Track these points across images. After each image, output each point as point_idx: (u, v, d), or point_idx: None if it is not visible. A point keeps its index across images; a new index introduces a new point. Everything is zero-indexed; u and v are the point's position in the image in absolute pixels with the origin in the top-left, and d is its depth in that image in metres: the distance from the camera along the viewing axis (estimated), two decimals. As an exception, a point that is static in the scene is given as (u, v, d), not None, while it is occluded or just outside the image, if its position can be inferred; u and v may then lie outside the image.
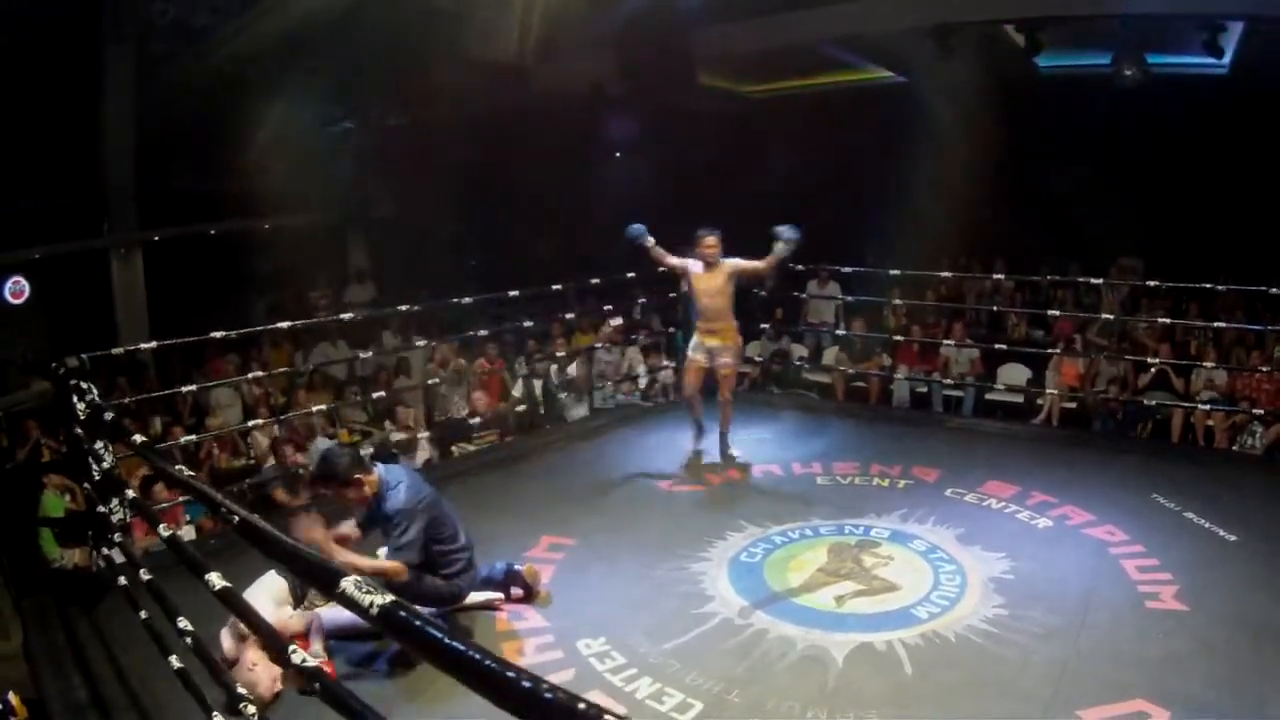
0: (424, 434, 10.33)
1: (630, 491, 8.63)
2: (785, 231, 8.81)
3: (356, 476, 5.58)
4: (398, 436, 10.06)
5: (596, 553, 7.15)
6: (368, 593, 2.51)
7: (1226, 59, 12.55)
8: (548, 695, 1.96)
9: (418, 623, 2.41)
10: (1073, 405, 12.35)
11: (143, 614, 5.52)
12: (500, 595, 6.34)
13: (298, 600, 6.01)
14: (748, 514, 7.99)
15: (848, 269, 12.90)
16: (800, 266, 12.82)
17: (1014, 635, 6.18)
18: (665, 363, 12.33)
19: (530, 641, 5.85)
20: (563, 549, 7.19)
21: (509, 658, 5.53)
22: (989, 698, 5.50)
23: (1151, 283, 12.10)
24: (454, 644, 2.21)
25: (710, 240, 9.13)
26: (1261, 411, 11.00)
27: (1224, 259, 12.44)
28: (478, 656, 2.13)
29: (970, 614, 6.44)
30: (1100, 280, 12.83)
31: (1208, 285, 11.08)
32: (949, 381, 13.01)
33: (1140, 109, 13.47)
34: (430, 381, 10.86)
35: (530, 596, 6.36)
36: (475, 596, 6.16)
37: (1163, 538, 7.72)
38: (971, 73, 13.25)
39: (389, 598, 2.46)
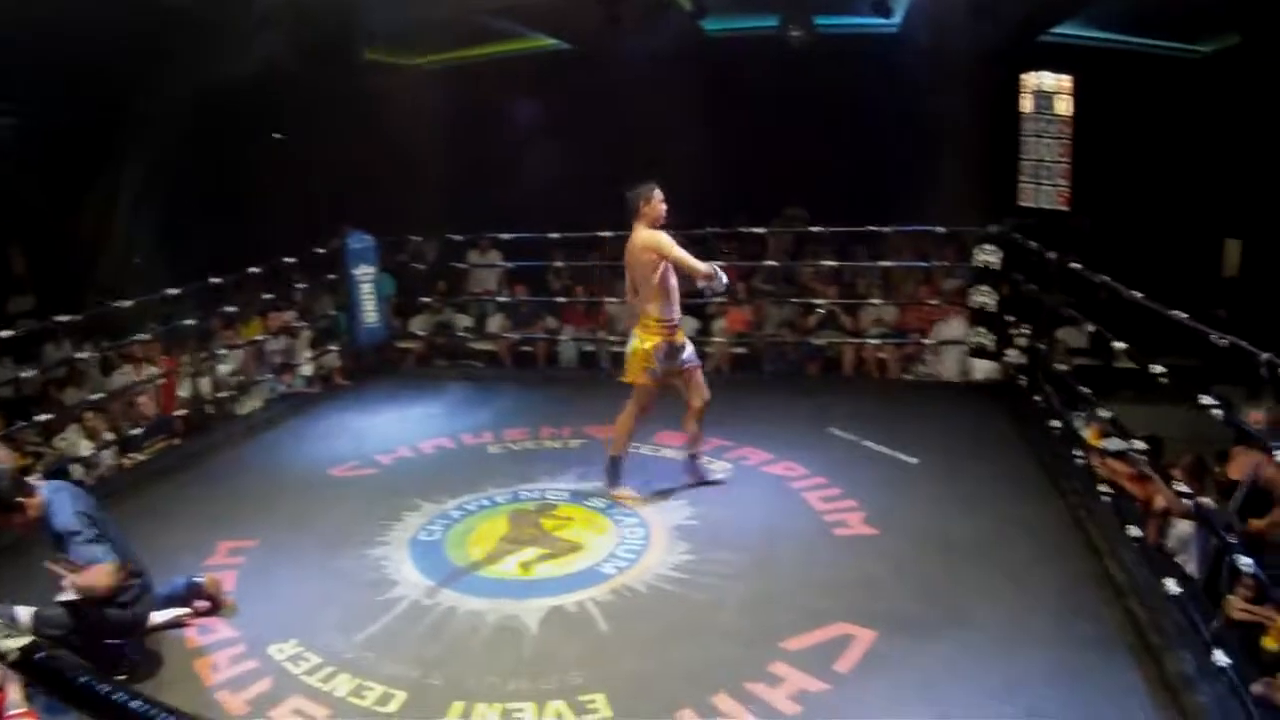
0: (96, 447, 9.70)
1: (304, 483, 8.41)
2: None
3: (18, 500, 5.27)
4: (85, 449, 9.46)
5: (277, 552, 6.95)
6: (4, 637, 2.32)
7: (896, 18, 13.13)
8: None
9: (56, 666, 2.25)
10: (743, 350, 12.74)
11: None
12: (186, 611, 6.06)
13: None
14: (423, 491, 7.96)
15: (508, 235, 12.94)
16: (460, 236, 12.82)
17: (705, 579, 6.39)
18: (331, 347, 12.09)
19: (222, 655, 5.63)
20: (243, 552, 6.92)
21: (202, 675, 5.41)
22: (689, 642, 5.68)
23: (816, 229, 12.65)
24: (91, 684, 2.08)
25: (661, 194, 7.68)
26: (932, 341, 11.68)
27: (889, 205, 13.08)
28: (117, 696, 2.02)
29: (658, 564, 6.62)
30: (765, 230, 13.28)
31: (872, 228, 11.68)
32: (615, 338, 13.20)
33: (807, 66, 13.94)
34: (94, 396, 10.24)
35: (216, 607, 6.11)
36: (160, 617, 5.88)
37: (844, 468, 8.18)
38: (638, 37, 13.42)
39: (24, 640, 2.29)
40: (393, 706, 5.11)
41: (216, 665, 5.51)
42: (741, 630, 5.79)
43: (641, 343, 7.63)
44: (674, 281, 7.58)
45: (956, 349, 11.48)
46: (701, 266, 7.43)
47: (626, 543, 6.98)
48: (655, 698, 5.14)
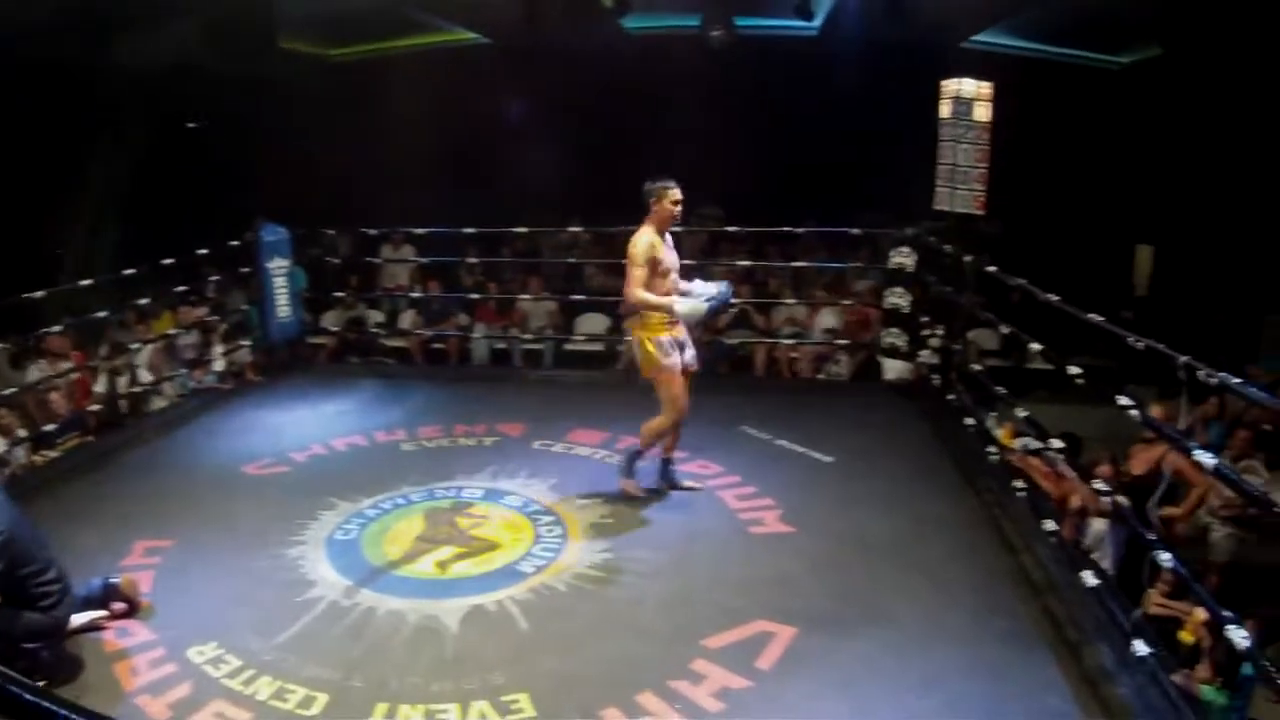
0: (9, 444, 9.42)
1: (219, 481, 8.24)
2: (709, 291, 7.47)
3: None
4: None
5: (194, 552, 6.80)
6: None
7: (817, 21, 13.25)
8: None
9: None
10: (653, 349, 12.82)
11: None
12: (103, 613, 5.90)
13: None
14: (338, 490, 7.85)
15: (421, 230, 12.89)
16: (373, 230, 12.73)
17: (624, 577, 6.43)
18: (242, 342, 11.93)
19: (142, 658, 5.50)
20: (159, 552, 6.76)
21: (123, 679, 5.28)
22: (611, 641, 5.70)
23: (731, 228, 12.76)
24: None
25: (679, 195, 7.42)
26: (845, 341, 11.82)
27: (805, 205, 13.24)
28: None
29: (576, 562, 6.64)
30: (680, 228, 13.34)
31: (787, 229, 11.82)
32: (528, 336, 13.22)
33: (727, 67, 14.04)
34: (7, 391, 9.96)
35: (134, 609, 5.97)
36: (78, 619, 5.72)
37: (758, 466, 8.25)
38: (558, 33, 13.41)
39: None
40: (316, 709, 5.04)
41: (136, 669, 5.40)
42: (662, 628, 5.82)
43: (645, 343, 7.42)
44: (665, 284, 7.37)
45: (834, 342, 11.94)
46: (636, 297, 7.22)
47: (543, 541, 6.98)
48: (579, 696, 5.15)
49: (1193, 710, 4.88)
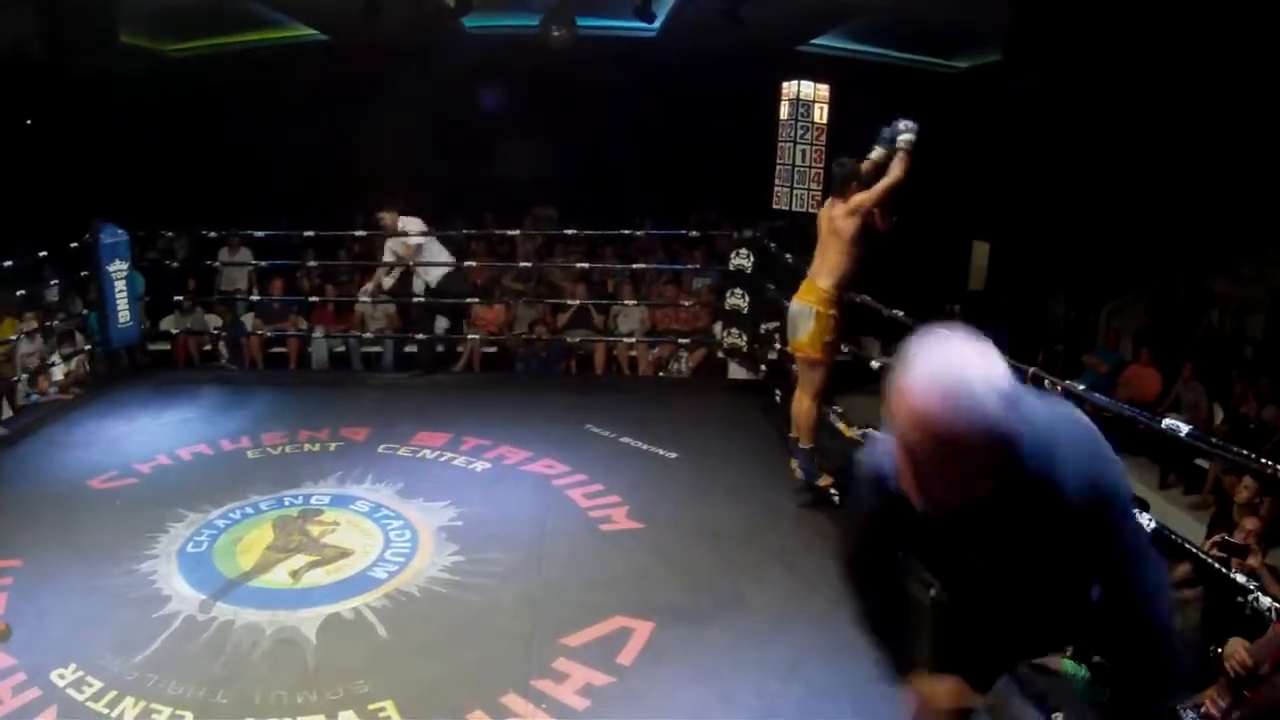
0: None
1: (65, 496, 8.00)
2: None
3: None
4: None
5: (45, 570, 6.64)
6: None
7: (657, 23, 13.42)
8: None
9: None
10: (494, 349, 12.94)
11: None
12: None
13: None
14: (186, 501, 7.73)
15: (260, 233, 12.78)
16: (211, 233, 12.59)
17: (478, 579, 6.54)
18: (84, 349, 11.66)
19: (3, 685, 5.38)
20: (10, 573, 6.58)
21: (-10, 707, 5.13)
22: (471, 644, 5.81)
23: (568, 231, 12.91)
24: None
25: None
26: (686, 340, 12.09)
27: (641, 206, 13.42)
28: None
29: (428, 566, 6.73)
30: (517, 231, 13.50)
31: (625, 231, 12.00)
32: (368, 336, 13.21)
33: (563, 67, 14.14)
34: None
35: None
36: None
37: (603, 464, 8.40)
38: (397, 31, 13.39)
39: None
40: (181, 730, 5.04)
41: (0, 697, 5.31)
42: (521, 629, 5.95)
43: (823, 316, 7.22)
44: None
45: (635, 339, 12.29)
46: (882, 185, 7.22)
47: (394, 546, 7.05)
48: (444, 701, 5.25)
49: (1052, 684, 5.11)
